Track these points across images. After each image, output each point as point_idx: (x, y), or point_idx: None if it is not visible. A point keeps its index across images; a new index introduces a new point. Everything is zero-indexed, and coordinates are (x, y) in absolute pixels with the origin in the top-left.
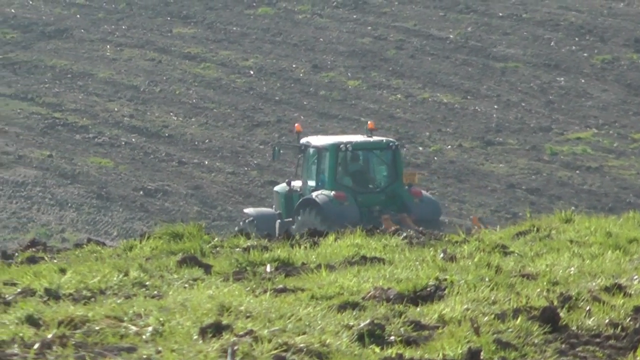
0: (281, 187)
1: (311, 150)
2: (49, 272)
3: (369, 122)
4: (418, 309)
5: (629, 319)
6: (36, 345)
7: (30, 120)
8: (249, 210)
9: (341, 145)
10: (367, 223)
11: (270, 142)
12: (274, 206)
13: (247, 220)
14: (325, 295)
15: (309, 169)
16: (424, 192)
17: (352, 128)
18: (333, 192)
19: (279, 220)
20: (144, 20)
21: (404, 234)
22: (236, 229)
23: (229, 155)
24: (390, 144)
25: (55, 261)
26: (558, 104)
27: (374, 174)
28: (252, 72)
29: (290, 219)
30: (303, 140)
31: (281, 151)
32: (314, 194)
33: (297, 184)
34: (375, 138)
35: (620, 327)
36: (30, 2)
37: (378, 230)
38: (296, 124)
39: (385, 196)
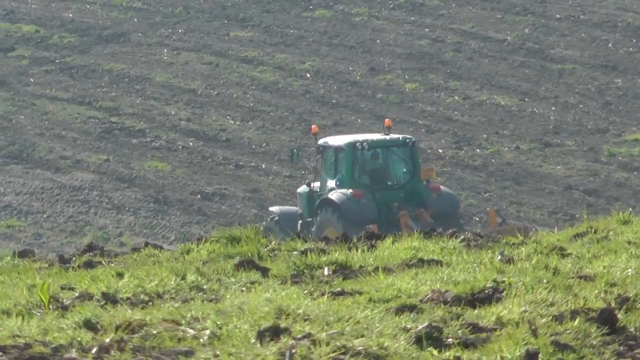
0: (303, 188)
1: (329, 150)
2: (107, 276)
3: (385, 120)
4: (476, 311)
5: None
6: (94, 350)
7: (88, 125)
8: (274, 208)
9: (357, 144)
10: (386, 220)
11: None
12: (299, 207)
13: (271, 218)
14: (383, 298)
15: (327, 169)
16: (442, 187)
17: (410, 131)
18: (350, 190)
19: (300, 221)
20: (200, 23)
21: (460, 237)
22: (261, 228)
23: (286, 158)
24: (407, 140)
25: (112, 265)
26: (615, 105)
27: (392, 171)
28: (309, 75)
29: (311, 219)
30: (320, 141)
31: (300, 153)
32: (331, 193)
33: (317, 184)
34: (392, 135)
35: None
36: (88, 7)
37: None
38: (313, 125)
39: (404, 193)
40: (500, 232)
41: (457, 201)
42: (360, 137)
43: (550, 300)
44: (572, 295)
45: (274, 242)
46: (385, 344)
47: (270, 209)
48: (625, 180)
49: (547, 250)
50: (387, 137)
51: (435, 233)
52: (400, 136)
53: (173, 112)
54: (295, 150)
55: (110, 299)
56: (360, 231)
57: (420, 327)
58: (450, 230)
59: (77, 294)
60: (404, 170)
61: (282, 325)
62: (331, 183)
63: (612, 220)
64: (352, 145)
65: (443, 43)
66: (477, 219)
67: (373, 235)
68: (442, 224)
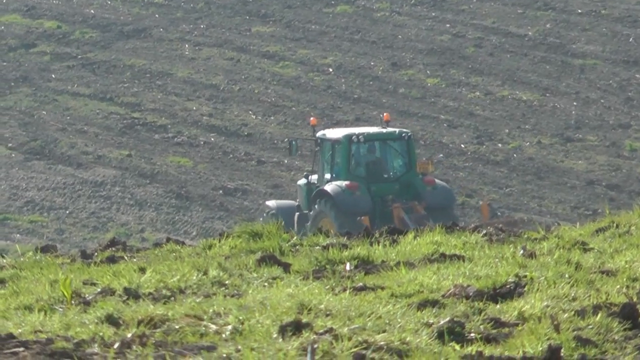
0: (302, 180)
1: (326, 143)
2: (129, 271)
3: (384, 114)
4: (498, 306)
5: None
6: (116, 345)
7: (109, 120)
8: (270, 202)
9: (354, 137)
10: (380, 212)
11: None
12: (298, 200)
13: (269, 213)
14: (405, 293)
15: (325, 161)
16: (437, 180)
17: (432, 126)
18: (345, 182)
19: (297, 213)
20: (222, 19)
21: (482, 230)
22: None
23: (308, 153)
24: (403, 134)
25: (134, 260)
26: (637, 100)
27: (388, 164)
28: (330, 70)
29: (307, 212)
30: (318, 134)
31: (298, 145)
32: (326, 185)
33: (315, 177)
34: (389, 129)
35: None
36: (109, 2)
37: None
38: (312, 118)
39: (399, 186)
40: (491, 224)
41: (452, 195)
42: (357, 130)
43: (572, 295)
44: (594, 290)
45: (295, 238)
46: (407, 339)
47: (267, 203)
48: None
49: (569, 245)
50: (384, 130)
51: (458, 228)
52: (397, 129)
53: (195, 108)
54: (294, 142)
55: (132, 294)
56: (353, 223)
57: (442, 322)
58: (473, 225)
59: (99, 289)
60: (400, 163)
61: (304, 320)
62: (328, 175)
63: (634, 215)
64: (348, 138)
65: (464, 38)
66: (498, 213)
67: (395, 230)
68: (436, 217)
